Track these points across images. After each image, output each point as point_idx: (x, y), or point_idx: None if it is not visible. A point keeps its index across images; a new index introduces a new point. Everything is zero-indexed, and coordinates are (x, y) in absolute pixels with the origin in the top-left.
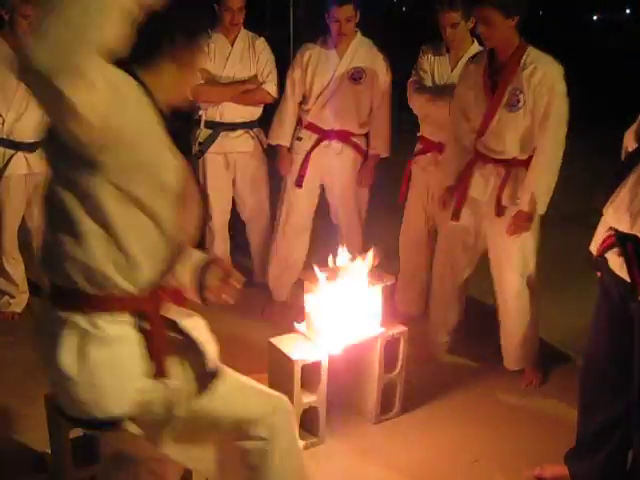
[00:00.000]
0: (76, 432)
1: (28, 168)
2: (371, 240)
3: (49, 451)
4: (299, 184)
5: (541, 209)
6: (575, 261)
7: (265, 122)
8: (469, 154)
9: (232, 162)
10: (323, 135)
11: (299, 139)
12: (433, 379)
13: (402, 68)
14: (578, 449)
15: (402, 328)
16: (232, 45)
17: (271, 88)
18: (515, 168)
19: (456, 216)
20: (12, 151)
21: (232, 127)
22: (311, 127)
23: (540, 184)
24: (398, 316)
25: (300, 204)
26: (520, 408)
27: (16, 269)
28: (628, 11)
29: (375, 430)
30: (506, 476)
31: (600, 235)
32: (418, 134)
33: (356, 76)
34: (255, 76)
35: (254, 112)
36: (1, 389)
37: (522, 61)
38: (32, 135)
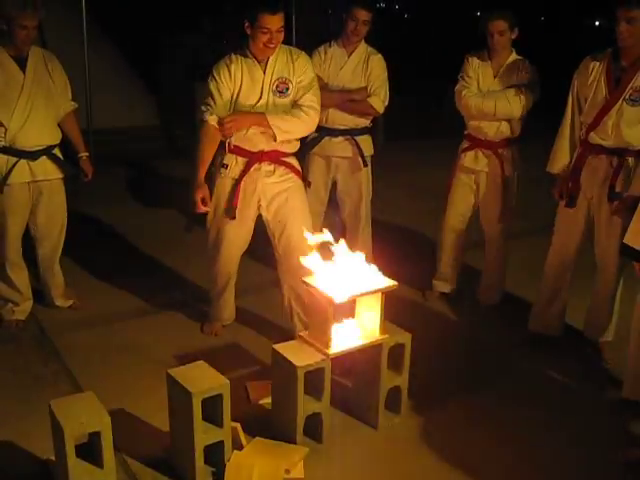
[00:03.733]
0: (80, 439)
1: (31, 176)
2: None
3: (53, 458)
4: (232, 216)
5: None
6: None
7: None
8: (578, 146)
9: (333, 165)
10: (252, 158)
11: (224, 166)
12: (438, 384)
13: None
14: None
15: (406, 334)
16: (349, 56)
17: (375, 102)
18: (629, 157)
19: (572, 203)
20: (15, 159)
21: (335, 133)
22: (237, 151)
23: None
24: (433, 294)
25: (232, 236)
26: (525, 412)
27: (20, 277)
28: None
29: (379, 436)
30: None
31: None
32: (465, 132)
33: (281, 88)
34: (365, 88)
35: (358, 121)
36: (5, 396)
37: None
38: (35, 143)
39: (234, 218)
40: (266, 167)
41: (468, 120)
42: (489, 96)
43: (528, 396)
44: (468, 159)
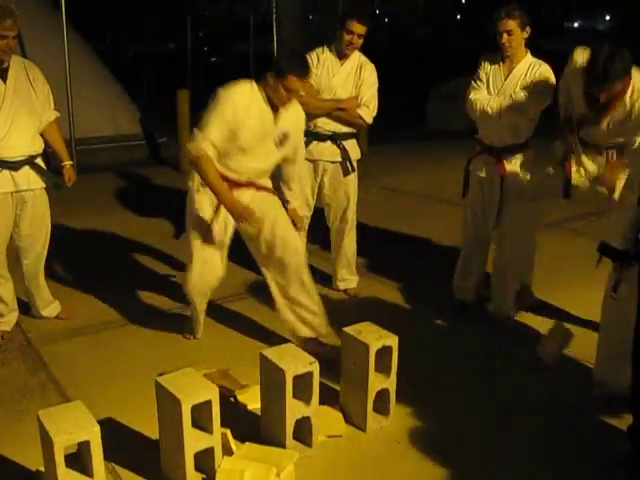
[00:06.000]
0: (70, 449)
1: (14, 186)
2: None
3: (42, 469)
4: (211, 241)
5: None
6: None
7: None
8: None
9: (321, 169)
10: (231, 185)
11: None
12: (426, 386)
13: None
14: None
15: (393, 337)
16: (342, 64)
17: (365, 113)
18: (612, 150)
19: (567, 194)
20: None
21: (322, 138)
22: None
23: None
24: (453, 302)
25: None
26: (513, 412)
27: (5, 288)
28: (608, 17)
29: (368, 439)
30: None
31: (621, 226)
32: (476, 136)
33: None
34: (355, 98)
35: (342, 127)
36: None
37: None
38: (17, 153)
39: (213, 243)
40: (245, 190)
41: (476, 124)
42: (494, 98)
43: (516, 395)
44: (474, 165)
